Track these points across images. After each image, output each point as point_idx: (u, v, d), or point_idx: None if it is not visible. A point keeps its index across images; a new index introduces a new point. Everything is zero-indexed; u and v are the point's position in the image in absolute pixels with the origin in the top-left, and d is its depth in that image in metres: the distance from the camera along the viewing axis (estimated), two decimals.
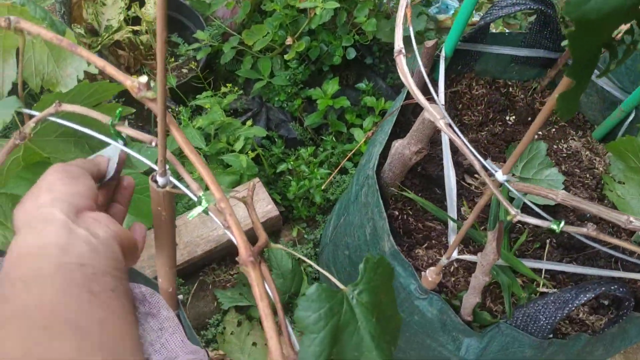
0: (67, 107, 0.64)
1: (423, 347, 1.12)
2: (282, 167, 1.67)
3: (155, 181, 0.63)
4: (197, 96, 1.64)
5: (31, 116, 0.71)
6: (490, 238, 0.79)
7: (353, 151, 1.14)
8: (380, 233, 1.06)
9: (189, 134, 1.51)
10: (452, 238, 0.99)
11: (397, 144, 1.05)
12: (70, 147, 0.76)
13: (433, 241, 1.17)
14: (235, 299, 1.52)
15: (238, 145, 1.58)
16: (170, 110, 1.65)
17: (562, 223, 0.69)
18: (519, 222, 1.20)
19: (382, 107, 1.75)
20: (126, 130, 0.63)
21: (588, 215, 1.24)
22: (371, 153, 1.21)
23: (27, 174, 0.75)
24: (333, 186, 1.70)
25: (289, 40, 1.74)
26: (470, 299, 0.95)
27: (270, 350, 0.52)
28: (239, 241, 0.56)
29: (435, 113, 0.76)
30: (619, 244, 0.69)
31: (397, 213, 1.18)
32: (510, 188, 0.72)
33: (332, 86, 1.74)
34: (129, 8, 1.62)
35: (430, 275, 0.97)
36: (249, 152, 1.60)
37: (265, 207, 1.56)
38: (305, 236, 1.68)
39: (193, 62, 1.69)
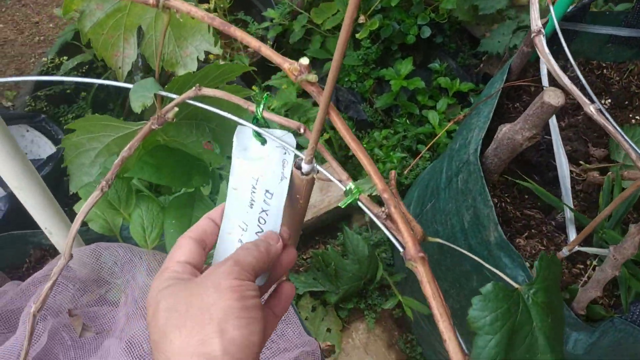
0: (208, 92, 0.60)
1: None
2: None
3: (299, 168, 0.60)
4: (272, 77, 1.60)
5: (163, 99, 0.68)
6: (634, 231, 0.73)
7: (438, 137, 1.09)
8: (485, 222, 1.02)
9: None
10: (571, 229, 0.93)
11: (505, 129, 1.00)
12: (191, 130, 0.73)
13: (533, 230, 1.11)
14: (309, 284, 1.50)
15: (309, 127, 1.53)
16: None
17: None
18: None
19: (457, 88, 1.69)
20: (271, 115, 0.59)
21: None
22: (466, 137, 1.16)
23: (149, 159, 0.72)
24: (405, 168, 1.65)
25: (361, 19, 1.68)
26: (589, 293, 0.90)
27: (451, 353, 0.49)
28: (406, 235, 0.52)
29: (576, 97, 0.71)
30: None
31: (495, 200, 1.13)
32: None
33: (405, 66, 1.68)
34: None
35: None
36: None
37: (340, 191, 1.52)
38: None
39: (267, 40, 1.65)
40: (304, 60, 0.54)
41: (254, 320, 0.42)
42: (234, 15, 1.83)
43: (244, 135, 0.58)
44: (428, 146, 1.08)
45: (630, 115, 1.32)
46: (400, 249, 0.55)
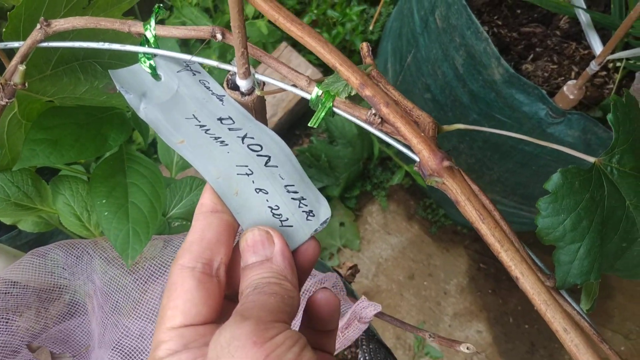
0: (61, 24, 0.39)
1: None
2: (305, 19, 1.39)
3: (235, 87, 0.40)
4: None
5: (9, 52, 0.46)
6: None
7: None
8: (483, 59, 0.83)
9: (188, 15, 1.22)
10: (592, 35, 0.74)
11: None
12: (77, 76, 0.52)
13: (537, 49, 0.93)
14: None
15: (248, 11, 1.29)
16: None
17: None
18: None
19: None
20: (168, 30, 0.38)
21: None
22: None
23: (39, 134, 0.52)
24: (368, 22, 1.42)
25: None
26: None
27: (530, 293, 0.33)
28: (417, 141, 0.34)
29: None
30: None
31: (485, 28, 0.92)
32: None
33: None
34: None
35: (571, 92, 0.75)
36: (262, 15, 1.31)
37: (306, 72, 1.31)
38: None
39: None
40: None
41: None
42: None
43: (128, 77, 0.38)
44: None
45: None
46: (416, 158, 0.37)
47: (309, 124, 0.38)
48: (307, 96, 0.40)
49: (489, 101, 0.88)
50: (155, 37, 0.39)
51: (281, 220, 0.35)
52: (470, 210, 0.33)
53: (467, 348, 0.56)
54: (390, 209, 1.39)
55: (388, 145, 1.37)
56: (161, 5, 0.41)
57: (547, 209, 0.34)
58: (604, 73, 0.91)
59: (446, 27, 0.89)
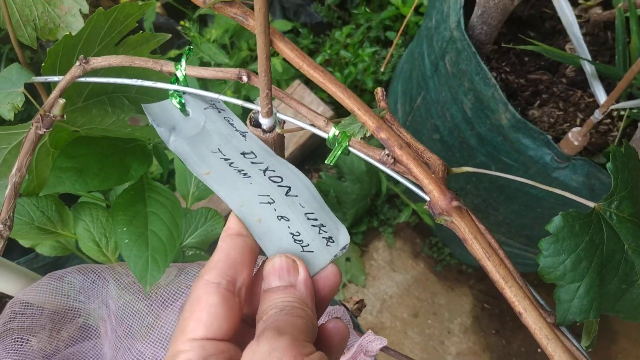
0: (99, 62, 0.42)
1: None
2: (318, 59, 1.44)
3: (257, 125, 0.43)
4: None
5: (47, 86, 0.49)
6: None
7: (407, 19, 0.91)
8: (491, 104, 0.86)
9: (206, 51, 1.27)
10: (596, 85, 0.77)
11: None
12: (105, 109, 0.55)
13: (544, 96, 0.96)
14: None
15: None
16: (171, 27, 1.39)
17: None
18: None
19: None
20: (197, 71, 0.41)
21: None
22: (442, 10, 0.97)
23: (65, 162, 0.55)
24: (380, 63, 1.47)
25: None
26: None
27: (533, 329, 0.35)
28: (427, 182, 0.37)
29: None
30: None
31: (494, 74, 0.96)
32: None
33: None
34: None
35: (576, 138, 0.77)
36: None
37: (318, 109, 1.35)
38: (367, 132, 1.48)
39: None
40: None
41: None
42: None
43: (159, 112, 0.41)
44: (400, 32, 0.90)
45: None
46: (426, 197, 0.40)
47: (325, 161, 0.41)
48: (325, 135, 0.43)
49: (496, 144, 0.90)
50: (185, 76, 0.42)
51: (302, 246, 0.37)
52: (477, 248, 0.35)
53: None
54: (397, 246, 1.40)
55: (396, 182, 1.39)
56: (191, 47, 0.44)
57: (548, 249, 0.36)
58: (608, 121, 0.94)
59: (456, 72, 0.93)
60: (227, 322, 0.31)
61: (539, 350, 1.32)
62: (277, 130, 0.44)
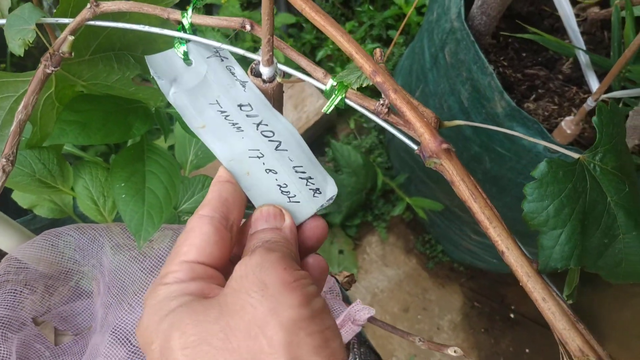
0: (109, 6, 0.44)
1: None
2: (320, 53, 1.46)
3: (258, 74, 0.45)
4: None
5: (57, 28, 0.51)
6: None
7: (407, 16, 0.93)
8: (487, 93, 0.88)
9: (211, 39, 1.28)
10: (590, 75, 0.79)
11: None
12: (112, 65, 0.56)
13: (540, 90, 0.98)
14: None
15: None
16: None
17: None
18: None
19: None
20: (203, 19, 0.43)
21: None
22: (443, 3, 0.99)
23: (70, 116, 0.56)
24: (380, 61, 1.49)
25: None
26: (630, 143, 0.78)
27: (513, 266, 0.36)
28: (419, 125, 0.38)
29: None
30: None
31: (492, 67, 0.98)
32: None
33: None
34: None
35: (569, 127, 0.79)
36: None
37: (316, 103, 1.37)
38: (365, 125, 1.50)
39: None
40: None
41: (332, 334, 0.27)
42: None
43: (162, 63, 0.42)
44: (400, 29, 0.92)
45: None
46: (414, 147, 0.41)
47: (322, 110, 0.42)
48: (323, 87, 0.44)
49: (491, 134, 0.92)
50: (191, 24, 0.43)
51: (289, 197, 0.39)
52: (464, 190, 0.37)
53: (455, 351, 0.58)
54: (390, 241, 1.41)
55: (392, 177, 1.40)
56: None
57: (532, 194, 0.37)
58: None
59: (454, 62, 0.95)
60: (219, 251, 0.32)
61: (527, 350, 1.32)
62: (278, 79, 0.45)
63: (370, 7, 1.51)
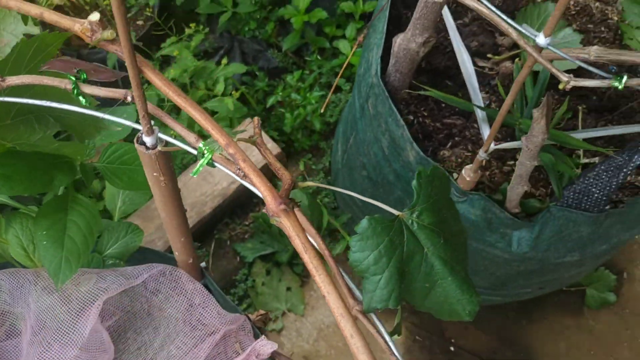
0: (13, 80, 0.51)
1: (471, 252, 1.04)
2: (271, 100, 1.54)
3: (143, 143, 0.52)
4: (162, 45, 1.49)
5: None
6: (537, 116, 0.68)
7: (344, 65, 1.02)
8: (401, 143, 0.96)
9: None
10: (485, 129, 0.88)
11: (398, 40, 0.93)
12: (32, 126, 0.64)
13: (456, 138, 1.06)
14: (257, 249, 1.44)
15: (219, 88, 1.44)
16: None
17: (625, 77, 0.59)
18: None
19: (362, 9, 1.60)
20: (92, 89, 0.51)
21: (614, 69, 1.13)
22: (368, 59, 1.08)
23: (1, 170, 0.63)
24: (330, 107, 1.58)
25: None
26: (517, 189, 0.86)
27: (332, 307, 0.43)
28: (263, 189, 0.45)
29: None
30: None
31: (411, 118, 1.07)
32: (556, 51, 0.61)
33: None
34: None
35: (468, 174, 0.87)
36: (232, 92, 1.46)
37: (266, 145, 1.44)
38: (313, 167, 1.58)
39: (147, 9, 1.53)
40: (94, 17, 0.45)
41: None
42: None
43: None
44: (338, 76, 1.01)
45: None
46: (269, 202, 0.49)
47: (191, 174, 0.50)
48: (194, 151, 0.52)
49: (408, 180, 1.00)
50: (80, 92, 0.51)
51: None
52: (297, 244, 0.44)
53: None
54: (336, 277, 1.48)
55: (336, 217, 1.48)
56: (79, 70, 0.53)
57: (355, 246, 0.44)
58: (512, 162, 1.04)
59: (375, 114, 1.03)
60: None
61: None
62: (159, 147, 0.53)
63: (318, 57, 1.61)
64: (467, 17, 1.20)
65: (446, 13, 0.99)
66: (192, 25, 1.54)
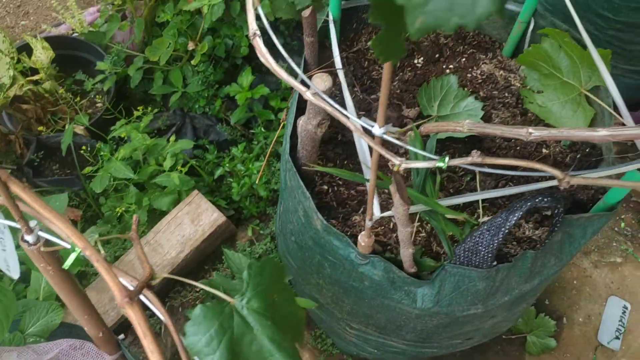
0: None
1: (384, 308, 1.12)
2: (218, 172, 1.66)
3: (26, 241, 0.62)
4: (112, 127, 1.61)
5: None
6: (392, 191, 0.78)
7: (274, 139, 1.13)
8: (310, 213, 1.06)
9: (113, 168, 1.48)
10: (375, 200, 0.98)
11: (300, 122, 1.04)
12: None
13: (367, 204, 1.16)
14: None
15: (167, 164, 1.55)
16: (87, 148, 1.62)
17: (447, 158, 0.69)
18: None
19: None
20: None
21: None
22: (287, 140, 1.20)
23: None
24: (275, 176, 1.69)
25: (190, 45, 1.71)
26: (405, 251, 0.95)
27: None
28: (111, 284, 0.54)
29: (301, 86, 0.75)
30: (503, 163, 0.69)
31: (326, 187, 1.17)
32: (390, 139, 0.72)
33: (246, 77, 1.71)
34: (18, 61, 1.58)
35: (363, 240, 0.97)
36: (180, 167, 1.58)
37: (211, 216, 1.55)
38: (261, 232, 1.67)
39: (99, 96, 1.66)
40: None
41: None
42: (72, 76, 1.83)
43: None
44: (270, 148, 1.12)
45: (444, 67, 1.39)
46: (117, 296, 0.57)
47: (63, 266, 0.59)
48: (68, 246, 0.61)
49: (322, 245, 1.09)
50: None
51: None
52: (139, 330, 0.52)
53: None
54: None
55: None
56: None
57: (189, 330, 0.53)
58: (418, 224, 1.14)
59: (291, 186, 1.14)
60: None
61: None
62: (41, 248, 0.63)
63: (263, 129, 1.74)
64: (376, 95, 1.32)
65: (346, 93, 1.11)
66: (141, 107, 1.67)
